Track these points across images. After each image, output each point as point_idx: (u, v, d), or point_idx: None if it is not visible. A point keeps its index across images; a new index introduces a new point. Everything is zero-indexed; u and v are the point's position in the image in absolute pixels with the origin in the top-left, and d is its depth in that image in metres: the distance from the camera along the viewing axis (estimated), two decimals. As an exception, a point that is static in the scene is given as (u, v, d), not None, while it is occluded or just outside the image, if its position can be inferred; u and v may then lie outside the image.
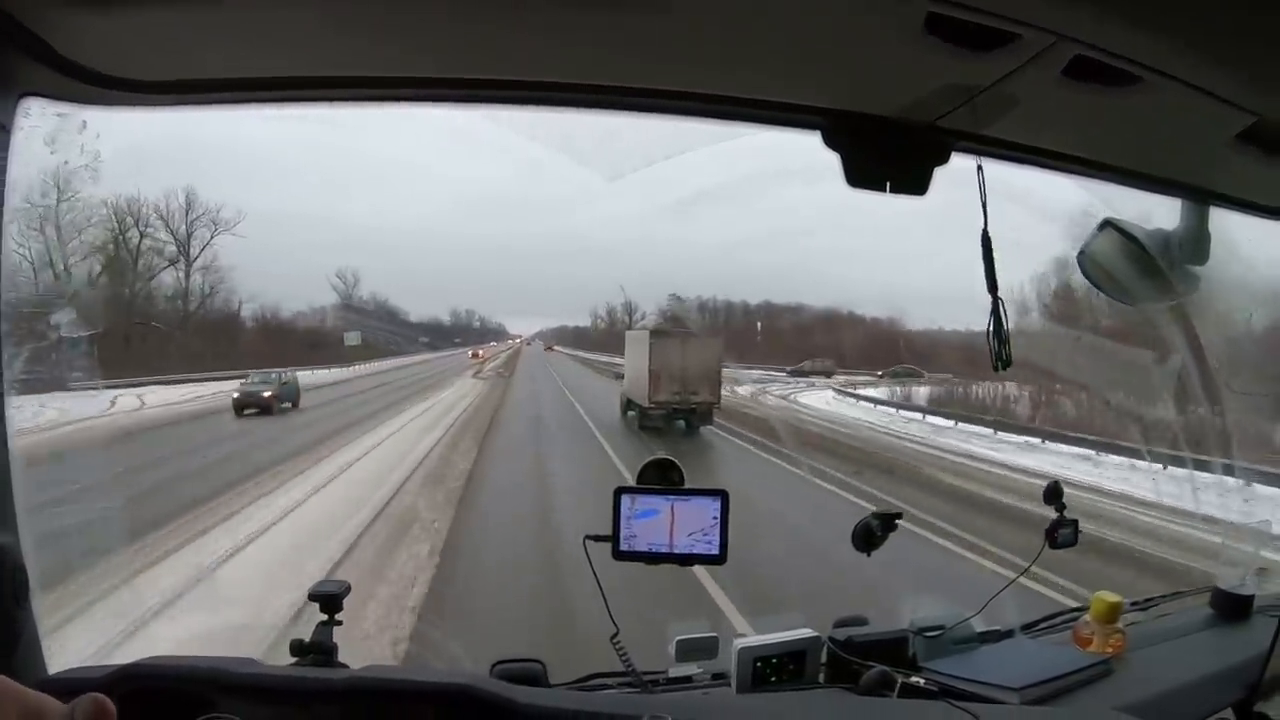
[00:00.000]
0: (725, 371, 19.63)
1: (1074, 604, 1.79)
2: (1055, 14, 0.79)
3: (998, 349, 1.16)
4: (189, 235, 28.00)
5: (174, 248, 27.73)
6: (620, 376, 21.81)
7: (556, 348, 58.63)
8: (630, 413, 19.16)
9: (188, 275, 28.24)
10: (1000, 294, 1.15)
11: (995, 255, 1.14)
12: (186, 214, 27.79)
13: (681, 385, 17.58)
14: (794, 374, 34.63)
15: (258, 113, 1.15)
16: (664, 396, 17.59)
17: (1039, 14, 0.79)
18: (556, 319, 60.71)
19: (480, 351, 42.42)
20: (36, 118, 1.03)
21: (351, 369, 28.97)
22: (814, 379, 33.13)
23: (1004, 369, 1.16)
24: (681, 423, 17.69)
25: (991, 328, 1.16)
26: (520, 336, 62.09)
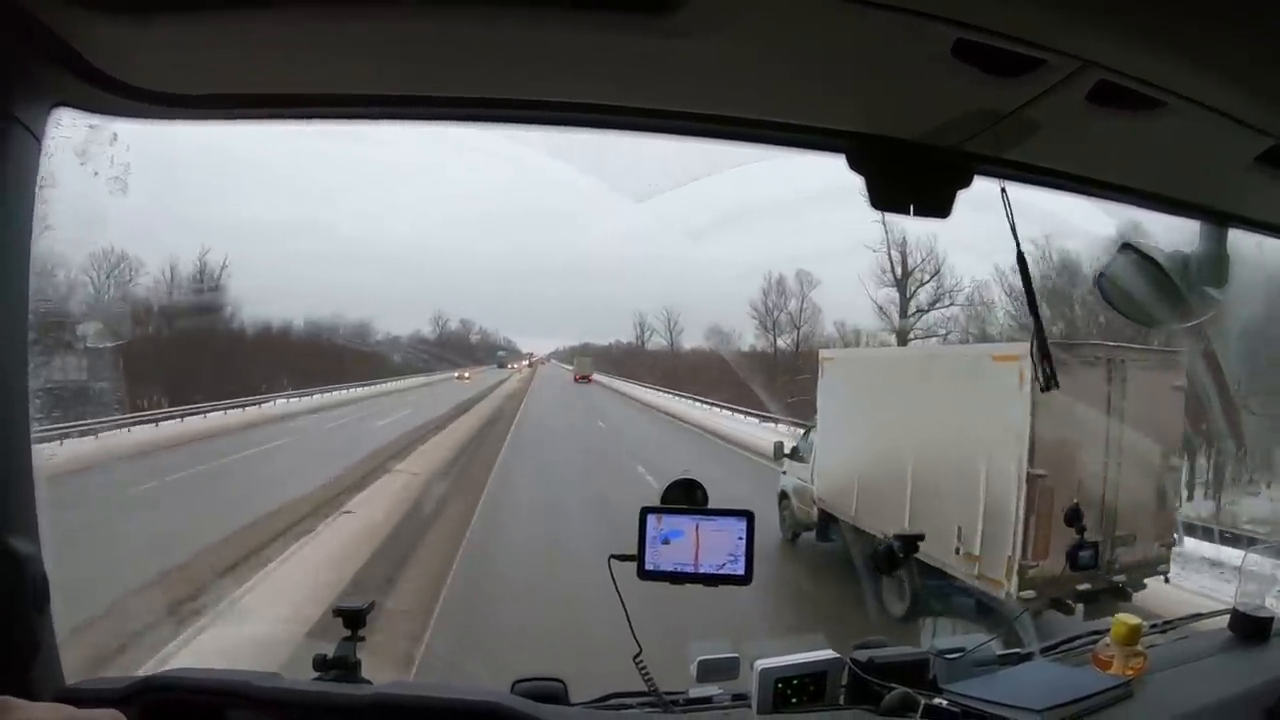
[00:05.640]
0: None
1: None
2: (1082, 40, 0.80)
3: (1046, 370, 1.11)
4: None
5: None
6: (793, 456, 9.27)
7: (597, 377, 38.71)
8: (875, 576, 6.58)
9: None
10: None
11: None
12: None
13: (1107, 518, 5.81)
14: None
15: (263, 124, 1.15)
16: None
17: (1066, 40, 0.80)
18: (576, 337, 50.27)
19: None
20: (67, 128, 1.05)
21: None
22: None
23: (1046, 389, 1.10)
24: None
25: (1036, 348, 1.11)
26: (532, 354, 50.89)
